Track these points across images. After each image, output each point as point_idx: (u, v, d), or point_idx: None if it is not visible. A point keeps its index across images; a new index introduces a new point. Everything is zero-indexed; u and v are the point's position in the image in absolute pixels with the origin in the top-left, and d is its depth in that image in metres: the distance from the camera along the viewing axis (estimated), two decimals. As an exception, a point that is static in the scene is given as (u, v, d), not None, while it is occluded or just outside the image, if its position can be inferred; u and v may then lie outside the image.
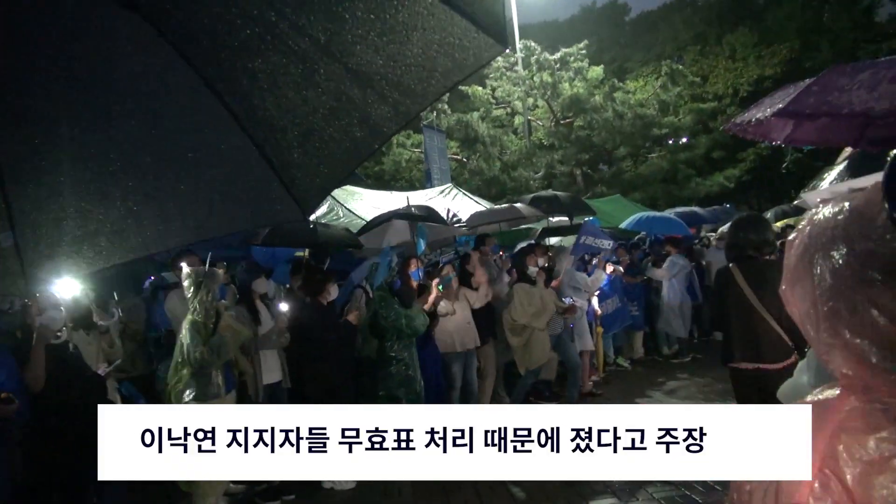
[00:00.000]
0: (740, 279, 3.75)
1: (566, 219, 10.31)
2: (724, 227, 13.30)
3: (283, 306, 5.00)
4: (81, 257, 1.83)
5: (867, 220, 0.80)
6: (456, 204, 10.66)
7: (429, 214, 7.38)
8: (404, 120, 1.67)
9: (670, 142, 24.61)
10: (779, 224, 12.29)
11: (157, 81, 1.68)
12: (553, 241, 10.76)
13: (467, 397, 6.40)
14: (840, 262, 0.81)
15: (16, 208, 1.67)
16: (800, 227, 0.92)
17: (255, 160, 1.75)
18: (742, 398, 3.91)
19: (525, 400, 7.01)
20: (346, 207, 10.05)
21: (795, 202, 10.52)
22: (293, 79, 1.60)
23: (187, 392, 4.23)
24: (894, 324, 0.76)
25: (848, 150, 5.74)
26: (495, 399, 6.91)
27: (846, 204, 0.85)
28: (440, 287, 6.08)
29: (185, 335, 4.21)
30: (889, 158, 0.77)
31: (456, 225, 8.86)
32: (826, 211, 0.87)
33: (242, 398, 4.73)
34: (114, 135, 1.71)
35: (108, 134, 1.70)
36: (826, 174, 6.01)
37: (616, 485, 4.66)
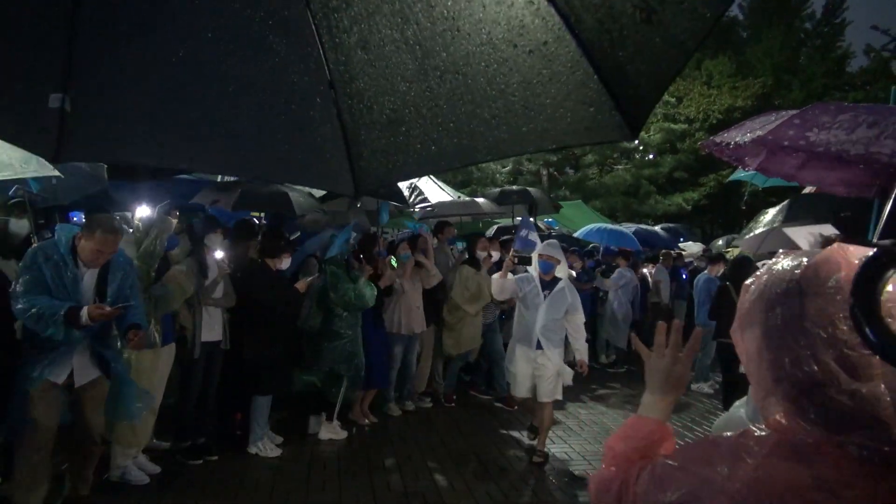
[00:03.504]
0: (734, 294, 5.64)
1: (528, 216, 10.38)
2: (681, 250, 13.65)
3: (219, 253, 4.86)
4: (127, 145, 1.76)
5: (823, 277, 0.83)
6: (420, 186, 10.62)
7: (391, 192, 7.35)
8: (496, 156, 1.60)
9: (637, 156, 25.07)
10: (731, 252, 12.72)
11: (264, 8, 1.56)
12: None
13: (403, 379, 6.46)
14: (790, 313, 0.83)
15: (78, 70, 1.51)
16: (758, 273, 0.94)
17: (331, 122, 1.65)
18: (725, 361, 6.27)
19: (458, 388, 7.12)
20: (309, 174, 9.89)
21: (734, 241, 10.87)
22: (404, 65, 1.51)
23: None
24: (832, 383, 0.78)
25: (806, 191, 5.97)
26: (431, 384, 6.98)
27: (805, 259, 0.88)
28: (396, 260, 6.11)
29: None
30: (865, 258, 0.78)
31: (419, 206, 8.83)
32: (785, 263, 0.90)
33: (181, 352, 4.64)
34: (201, 41, 1.58)
35: (199, 39, 1.58)
36: (761, 216, 6.26)
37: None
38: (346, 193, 1.86)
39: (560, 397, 5.22)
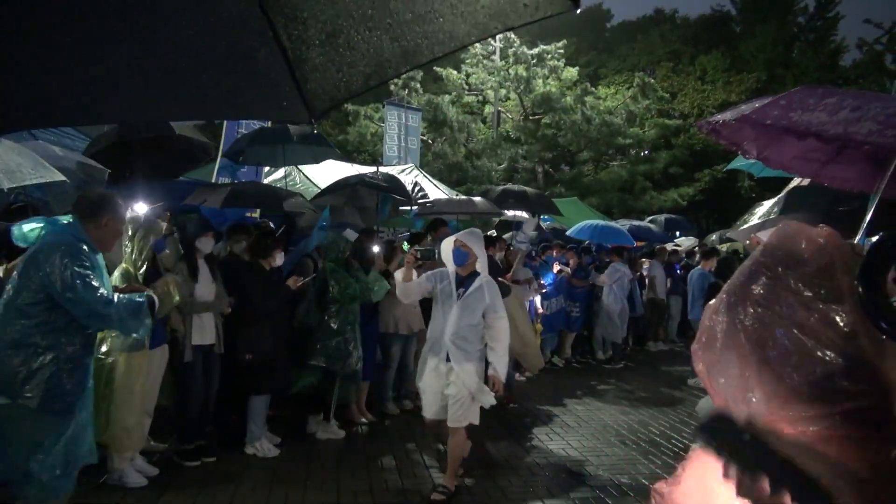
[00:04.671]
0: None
1: (526, 215, 10.40)
2: (675, 245, 13.69)
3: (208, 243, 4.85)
4: (63, 106, 1.70)
5: (788, 251, 0.85)
6: (419, 182, 10.65)
7: (395, 186, 7.36)
8: (441, 51, 1.53)
9: (632, 152, 25.12)
10: (724, 246, 12.76)
11: None
12: (506, 235, 10.86)
13: (402, 378, 6.47)
14: (762, 291, 0.85)
15: None
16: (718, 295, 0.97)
17: (270, 48, 1.59)
18: None
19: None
20: (304, 174, 9.92)
21: (727, 234, 10.93)
22: None
23: (110, 339, 4.14)
24: (820, 343, 0.79)
25: (793, 182, 6.00)
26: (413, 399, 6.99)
27: (761, 247, 0.90)
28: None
29: (115, 283, 4.09)
30: (869, 246, 0.79)
31: (420, 201, 8.85)
32: (741, 268, 0.93)
33: (174, 355, 4.64)
34: None
35: None
36: (756, 208, 6.28)
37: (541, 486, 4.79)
38: (301, 120, 1.80)
39: (476, 422, 4.27)
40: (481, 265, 4.32)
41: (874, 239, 0.80)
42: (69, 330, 2.91)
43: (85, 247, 2.95)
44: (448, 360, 4.17)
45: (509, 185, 11.00)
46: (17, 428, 2.83)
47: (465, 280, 4.29)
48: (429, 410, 4.33)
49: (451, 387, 4.16)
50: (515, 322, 6.43)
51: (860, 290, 0.78)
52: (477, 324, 4.22)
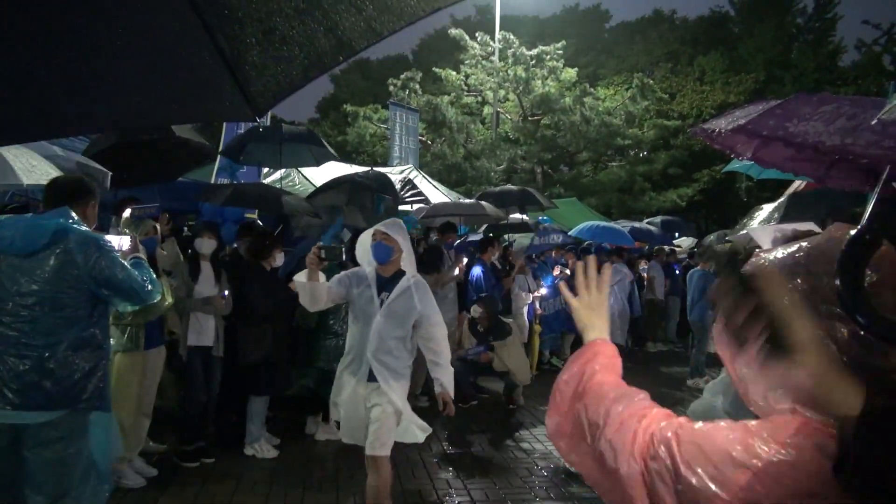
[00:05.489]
0: None
1: (521, 216, 10.40)
2: (676, 245, 13.69)
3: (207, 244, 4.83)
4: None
5: (831, 255, 0.84)
6: (413, 181, 10.65)
7: (383, 185, 7.40)
8: (375, 38, 1.57)
9: (631, 153, 25.15)
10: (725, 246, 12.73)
11: None
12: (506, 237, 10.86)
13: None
14: (800, 294, 0.84)
15: None
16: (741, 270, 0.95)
17: (207, 50, 1.59)
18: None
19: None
20: (302, 174, 9.92)
21: (727, 237, 10.92)
22: None
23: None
24: (851, 360, 0.79)
25: (792, 187, 5.99)
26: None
27: (805, 244, 0.89)
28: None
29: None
30: (847, 238, 0.79)
31: (408, 199, 8.84)
32: (779, 252, 0.90)
33: (172, 358, 4.63)
34: None
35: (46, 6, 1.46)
36: (756, 213, 6.25)
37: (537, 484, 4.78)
38: (245, 119, 1.81)
39: (401, 440, 3.60)
40: (408, 262, 3.59)
41: (852, 231, 0.79)
42: (103, 320, 2.89)
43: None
44: (370, 379, 3.41)
45: (490, 188, 11.02)
46: (73, 442, 2.67)
47: (388, 282, 3.52)
48: (345, 433, 3.62)
49: (376, 409, 3.40)
50: (515, 372, 6.55)
51: (837, 283, 0.78)
52: (405, 335, 3.48)
